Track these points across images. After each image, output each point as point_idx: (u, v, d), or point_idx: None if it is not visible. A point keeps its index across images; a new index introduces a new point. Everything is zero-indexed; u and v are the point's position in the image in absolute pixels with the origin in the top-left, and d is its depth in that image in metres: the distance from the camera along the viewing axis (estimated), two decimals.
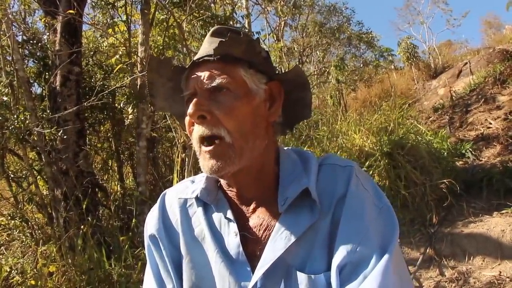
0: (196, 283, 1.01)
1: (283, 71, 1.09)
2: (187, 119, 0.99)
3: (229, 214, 1.02)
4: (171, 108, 1.12)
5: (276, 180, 1.04)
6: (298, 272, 0.92)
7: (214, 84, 0.96)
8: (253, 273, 0.94)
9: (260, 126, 1.01)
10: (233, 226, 1.00)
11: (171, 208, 1.11)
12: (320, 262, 0.92)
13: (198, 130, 0.96)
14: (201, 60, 0.99)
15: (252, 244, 0.98)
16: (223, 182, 1.07)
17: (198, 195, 1.05)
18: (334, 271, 0.88)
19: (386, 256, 0.88)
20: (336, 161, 1.05)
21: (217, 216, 1.04)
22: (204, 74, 0.97)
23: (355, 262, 0.88)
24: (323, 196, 0.97)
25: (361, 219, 0.93)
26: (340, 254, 0.89)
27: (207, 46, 1.03)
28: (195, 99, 0.95)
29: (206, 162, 0.96)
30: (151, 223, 1.12)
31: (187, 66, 1.01)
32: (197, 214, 1.06)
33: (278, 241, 0.93)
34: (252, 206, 1.03)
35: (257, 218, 1.01)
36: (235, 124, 0.95)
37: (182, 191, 1.12)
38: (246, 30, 8.53)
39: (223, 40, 0.94)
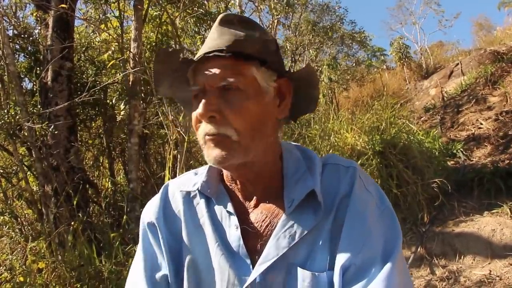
0: (196, 274, 1.00)
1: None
2: (194, 114, 0.97)
3: (230, 207, 1.02)
4: (175, 95, 1.11)
5: (280, 177, 1.04)
6: (300, 269, 0.92)
7: (225, 83, 0.94)
8: (253, 267, 0.94)
9: (268, 124, 1.01)
10: (234, 219, 1.00)
11: (174, 198, 1.11)
12: (321, 260, 0.93)
13: (205, 128, 0.95)
14: (211, 54, 0.95)
15: (253, 239, 0.98)
16: (226, 175, 1.07)
17: (199, 188, 1.05)
18: (338, 272, 0.88)
19: (390, 263, 0.88)
20: (339, 161, 1.06)
21: (218, 209, 1.04)
22: (215, 71, 0.94)
23: (358, 265, 0.88)
24: (326, 196, 0.97)
25: (365, 221, 0.93)
26: (344, 255, 0.89)
27: (216, 37, 0.99)
28: (204, 99, 0.94)
29: (210, 152, 0.95)
30: (150, 211, 1.11)
31: (195, 59, 0.97)
32: (200, 206, 1.06)
33: (281, 239, 0.94)
34: (255, 201, 1.03)
35: (260, 213, 1.01)
36: (243, 124, 0.94)
37: (185, 184, 1.12)
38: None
39: (238, 39, 0.92)
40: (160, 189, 1.15)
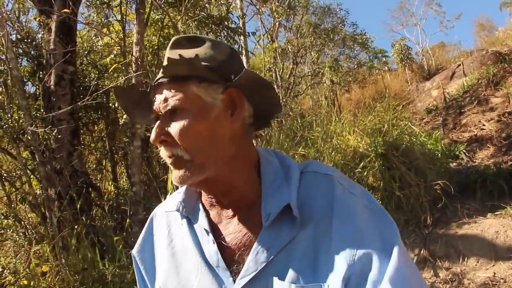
0: None
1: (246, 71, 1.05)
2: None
3: (205, 224, 1.04)
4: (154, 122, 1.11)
5: (256, 186, 1.04)
6: (276, 280, 0.92)
7: (168, 107, 0.98)
8: (233, 278, 0.96)
9: (223, 136, 1.01)
10: (210, 235, 1.02)
11: (160, 224, 1.16)
12: (303, 272, 0.92)
13: (162, 150, 1.00)
14: (157, 82, 1.02)
15: (230, 250, 0.99)
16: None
17: (175, 209, 1.08)
18: (339, 285, 0.86)
19: (394, 258, 0.87)
20: (317, 168, 1.05)
21: (197, 226, 1.06)
22: (160, 98, 1.00)
23: (358, 273, 0.87)
24: (303, 206, 0.97)
25: (354, 227, 0.92)
26: (341, 266, 0.88)
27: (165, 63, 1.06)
28: (155, 125, 1.00)
29: (173, 174, 1.00)
30: (136, 243, 1.19)
31: (149, 89, 1.04)
32: (183, 225, 1.09)
33: (260, 254, 0.94)
34: (231, 211, 1.04)
35: (236, 224, 1.02)
36: (191, 143, 0.97)
37: (168, 205, 1.17)
38: (240, 31, 8.52)
39: (165, 65, 0.98)
40: (149, 217, 1.21)
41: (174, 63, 0.97)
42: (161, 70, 1.02)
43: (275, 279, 0.92)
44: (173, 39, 1.08)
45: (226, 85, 1.03)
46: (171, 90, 0.99)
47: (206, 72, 1.01)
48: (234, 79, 1.04)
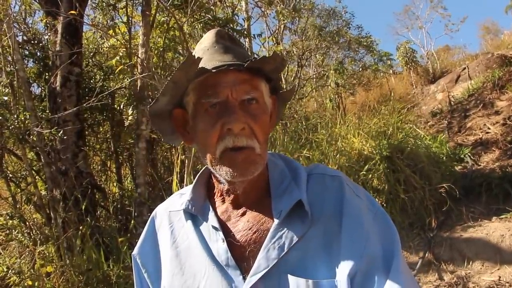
0: None
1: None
2: (216, 127, 0.95)
3: (215, 222, 1.03)
4: (164, 108, 1.08)
5: (266, 187, 1.05)
6: (291, 276, 0.92)
7: (249, 96, 0.97)
8: (243, 276, 0.96)
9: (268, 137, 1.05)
10: (220, 234, 1.01)
11: (162, 224, 1.15)
12: (314, 268, 0.93)
13: (231, 141, 0.94)
14: (225, 67, 0.96)
15: (240, 248, 0.99)
16: (220, 189, 1.08)
17: (184, 208, 1.07)
18: (345, 281, 0.88)
19: (394, 264, 0.90)
20: (325, 171, 1.07)
21: (205, 225, 1.06)
22: (238, 84, 0.96)
23: (364, 270, 0.89)
24: (313, 205, 0.98)
25: (361, 227, 0.94)
26: (348, 263, 0.90)
27: (223, 52, 1.01)
28: (233, 111, 0.94)
29: (233, 167, 0.96)
30: (137, 244, 1.17)
31: (213, 70, 0.96)
32: (186, 227, 1.08)
33: (271, 251, 0.95)
34: (242, 210, 1.04)
35: (246, 222, 1.02)
36: (263, 137, 0.99)
37: (171, 205, 1.16)
38: (245, 33, 8.55)
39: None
40: (149, 219, 1.19)
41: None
42: (218, 54, 1.01)
43: (290, 275, 0.92)
44: (217, 30, 1.08)
45: (272, 91, 1.08)
46: (249, 81, 0.98)
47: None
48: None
